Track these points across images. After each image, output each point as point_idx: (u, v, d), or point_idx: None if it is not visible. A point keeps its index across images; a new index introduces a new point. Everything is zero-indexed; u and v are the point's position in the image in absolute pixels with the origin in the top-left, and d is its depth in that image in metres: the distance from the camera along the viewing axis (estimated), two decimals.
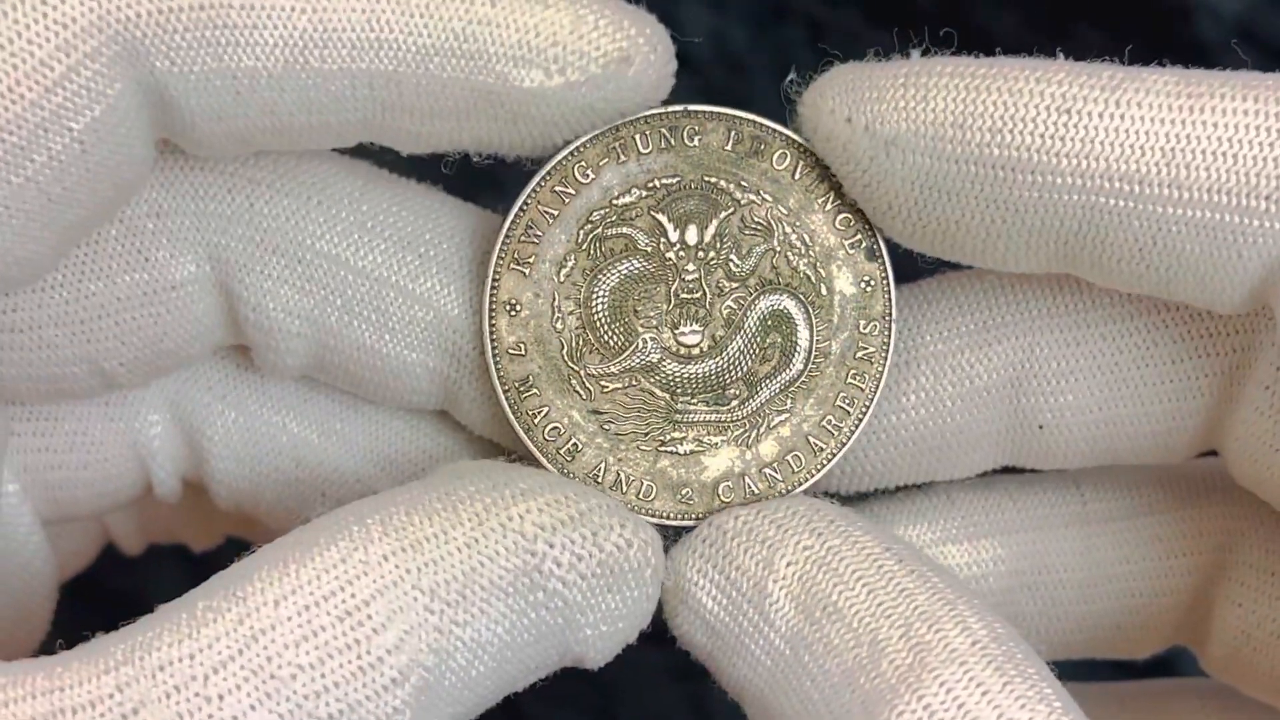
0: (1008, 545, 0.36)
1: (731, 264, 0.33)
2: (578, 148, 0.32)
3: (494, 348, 0.33)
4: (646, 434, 0.33)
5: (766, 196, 0.33)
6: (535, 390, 0.33)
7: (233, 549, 0.30)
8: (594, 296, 0.33)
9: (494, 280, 0.33)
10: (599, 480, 0.33)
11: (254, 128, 0.30)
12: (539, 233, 0.33)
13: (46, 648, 0.35)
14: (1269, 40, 0.51)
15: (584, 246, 0.33)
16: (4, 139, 0.28)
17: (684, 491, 0.33)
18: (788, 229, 0.33)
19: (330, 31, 0.29)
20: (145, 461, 0.36)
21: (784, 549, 0.30)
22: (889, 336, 0.33)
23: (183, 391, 0.35)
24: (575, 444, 0.33)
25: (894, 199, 0.31)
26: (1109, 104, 0.29)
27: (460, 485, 0.29)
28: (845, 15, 0.51)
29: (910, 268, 0.34)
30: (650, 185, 0.33)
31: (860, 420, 0.33)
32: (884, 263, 0.33)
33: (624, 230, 0.33)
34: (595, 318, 0.33)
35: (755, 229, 0.33)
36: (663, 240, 0.33)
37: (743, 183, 0.33)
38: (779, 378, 0.33)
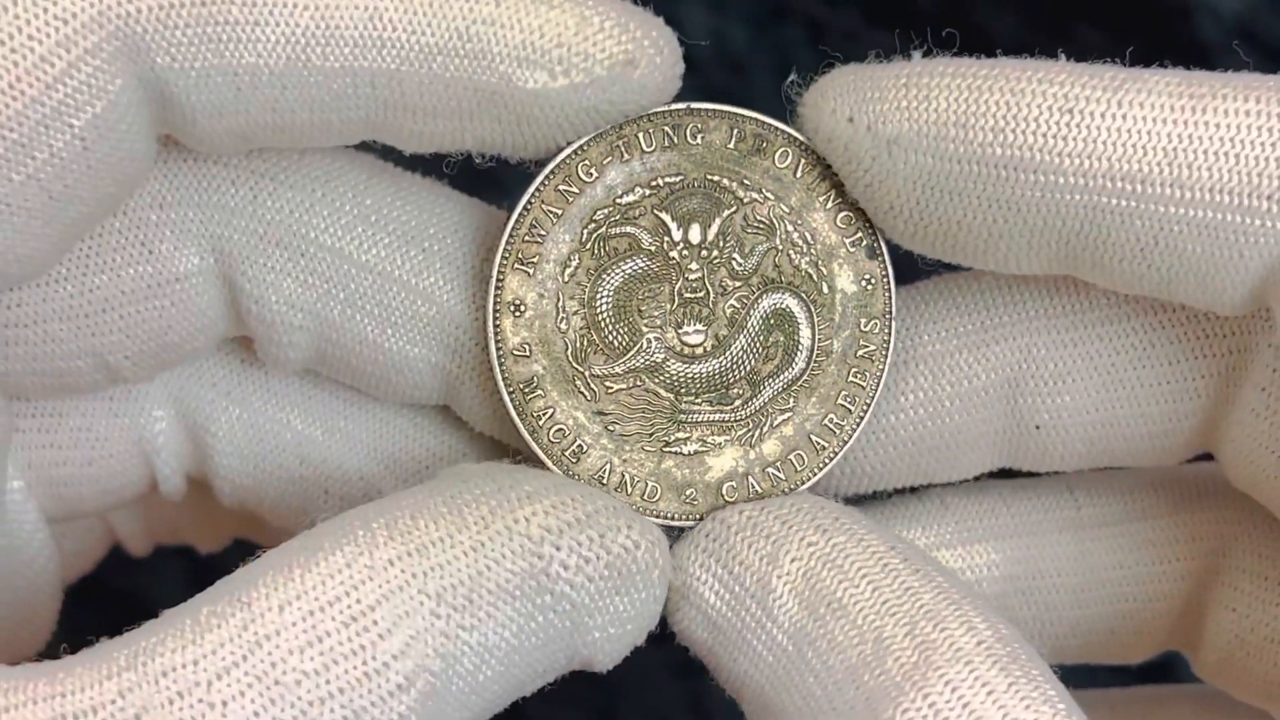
0: (1001, 550, 0.36)
1: (734, 262, 0.33)
2: (581, 146, 0.32)
3: (499, 349, 0.33)
4: (651, 434, 0.33)
5: (769, 195, 0.33)
6: (540, 391, 0.33)
7: (239, 551, 0.30)
8: (598, 296, 0.33)
9: (498, 280, 0.32)
10: (604, 481, 0.33)
11: (255, 125, 0.30)
12: (543, 232, 0.33)
13: (51, 649, 0.35)
14: (1269, 40, 0.51)
15: (588, 246, 0.33)
16: (5, 136, 0.28)
17: (688, 492, 0.33)
18: (789, 227, 0.33)
19: (333, 29, 0.29)
20: (150, 458, 0.36)
21: (789, 544, 0.30)
22: (889, 334, 0.33)
23: (187, 388, 0.35)
24: (580, 445, 0.33)
25: (896, 199, 0.31)
26: (1111, 104, 0.29)
27: (466, 489, 0.29)
28: (845, 15, 0.51)
29: (910, 268, 0.34)
30: (653, 184, 0.32)
31: (862, 418, 0.33)
32: (884, 261, 0.33)
33: (628, 229, 0.33)
34: (599, 318, 0.33)
35: (757, 227, 0.33)
36: (666, 239, 0.32)
37: (745, 181, 0.33)
38: (781, 376, 0.33)
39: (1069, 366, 0.33)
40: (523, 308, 0.33)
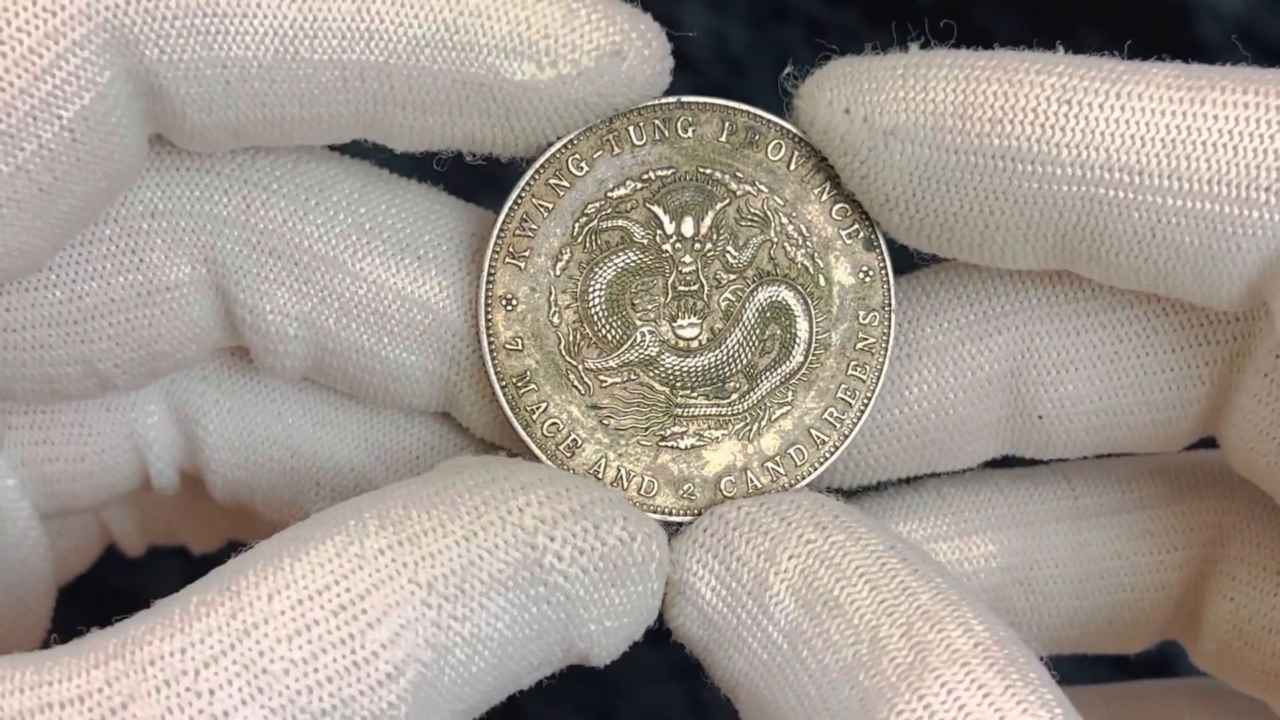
0: (999, 541, 0.35)
1: (729, 255, 0.32)
2: (571, 140, 0.32)
3: (490, 343, 0.32)
4: (647, 429, 0.33)
5: (762, 187, 0.32)
6: (533, 385, 0.33)
7: (233, 552, 0.30)
8: (590, 290, 0.32)
9: (489, 275, 0.32)
10: (599, 476, 0.32)
11: (245, 119, 0.30)
12: (534, 226, 0.32)
13: (45, 648, 0.35)
14: (1269, 40, 0.51)
15: (579, 240, 0.32)
16: None
17: (686, 487, 0.33)
18: (784, 220, 0.33)
19: (320, 21, 0.29)
20: (142, 452, 0.36)
21: (786, 542, 0.30)
22: (889, 327, 0.33)
23: (178, 381, 0.35)
24: (575, 440, 0.33)
25: (892, 190, 0.31)
26: (1109, 95, 0.29)
27: (459, 479, 0.29)
28: (844, 15, 0.51)
29: (907, 259, 0.33)
30: (645, 177, 0.32)
31: (862, 412, 0.33)
32: (882, 252, 0.33)
33: (619, 223, 0.32)
34: (592, 312, 0.32)
35: (751, 220, 0.33)
36: (659, 233, 0.32)
37: (738, 174, 0.32)
38: (779, 370, 0.33)
39: (1072, 355, 0.33)
40: (514, 302, 0.32)
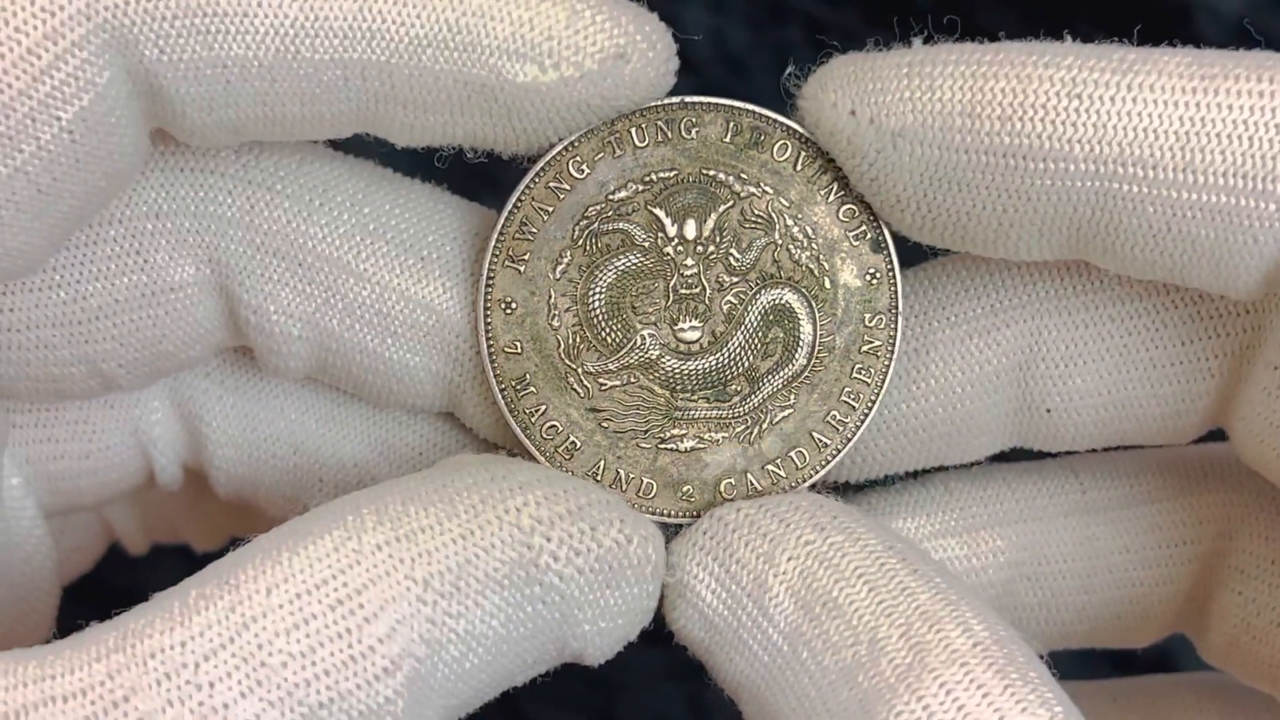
0: (1006, 536, 0.35)
1: (731, 258, 0.32)
2: (572, 142, 0.32)
3: (489, 346, 0.32)
4: (646, 431, 0.32)
5: (767, 189, 0.32)
6: (532, 388, 0.32)
7: (233, 549, 0.30)
8: (591, 293, 0.32)
9: (489, 278, 0.32)
10: (598, 479, 0.32)
11: (246, 118, 0.30)
12: (534, 229, 0.32)
13: None
14: (1269, 40, 0.51)
15: (580, 243, 0.32)
16: None
17: (685, 489, 0.32)
18: (789, 221, 0.32)
19: (322, 20, 0.29)
20: (146, 449, 0.36)
21: (785, 543, 0.30)
22: (895, 330, 0.32)
23: (182, 377, 0.35)
24: (573, 442, 0.32)
25: (902, 192, 0.31)
26: (1120, 87, 0.29)
27: (458, 477, 0.29)
28: (844, 15, 0.51)
29: (911, 258, 0.33)
30: (647, 179, 0.32)
31: (866, 415, 0.32)
32: (890, 254, 0.32)
33: (621, 226, 0.32)
34: (593, 315, 0.32)
35: (755, 222, 0.32)
36: (660, 235, 0.32)
37: (742, 175, 0.32)
38: (781, 373, 0.33)
39: (1080, 348, 0.33)
40: (513, 305, 0.32)
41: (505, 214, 0.32)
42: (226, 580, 0.27)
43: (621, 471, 0.32)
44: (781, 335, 0.32)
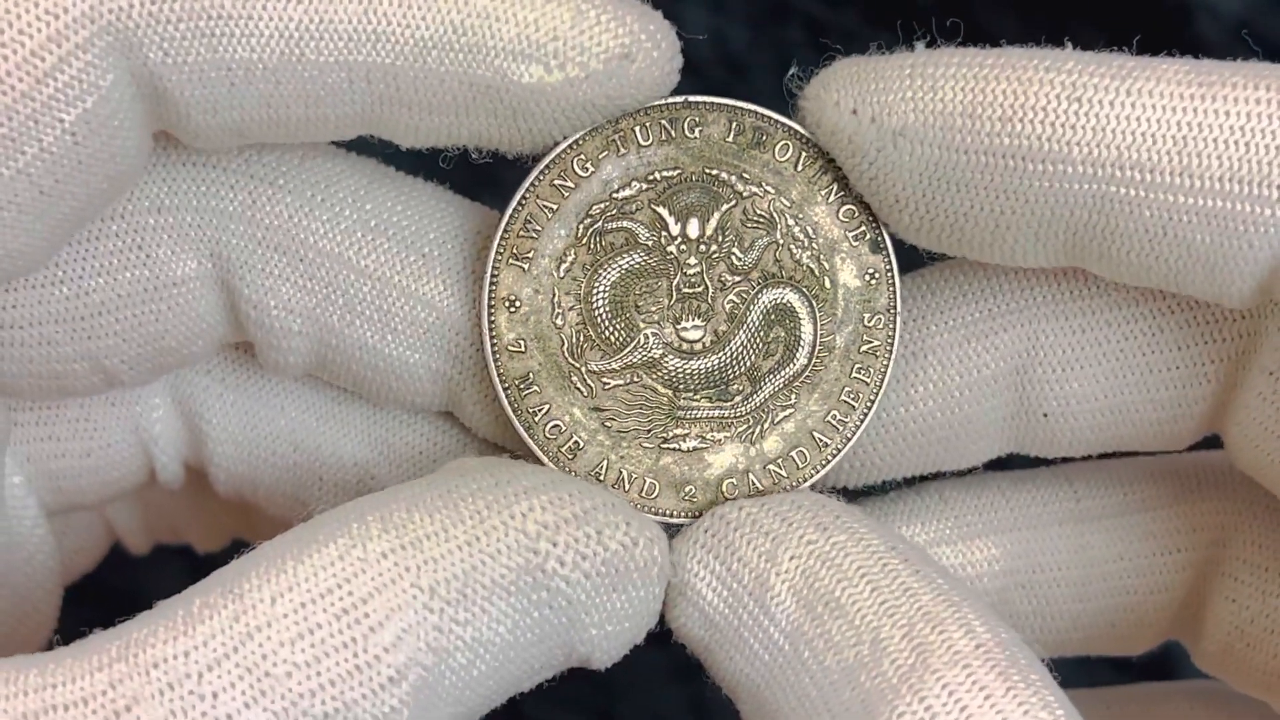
0: (1001, 545, 0.35)
1: (734, 257, 0.32)
2: (576, 140, 0.32)
3: (493, 344, 0.32)
4: (649, 431, 0.32)
5: (769, 188, 0.32)
6: (535, 387, 0.32)
7: (237, 551, 0.30)
8: (594, 292, 0.32)
9: (492, 276, 0.32)
10: (601, 478, 0.32)
11: (250, 120, 0.30)
12: (538, 227, 0.32)
13: (51, 648, 0.35)
14: (1270, 40, 0.51)
15: (584, 241, 0.32)
16: None
17: (687, 489, 0.32)
18: (790, 221, 0.32)
19: (326, 23, 0.29)
20: (148, 447, 0.36)
21: (787, 542, 0.30)
22: (894, 330, 0.32)
23: (183, 375, 0.35)
24: (576, 442, 0.32)
25: (901, 191, 0.31)
26: (1120, 92, 0.29)
27: (462, 483, 0.29)
28: (845, 15, 0.51)
29: (913, 263, 0.33)
30: (650, 178, 0.32)
31: (865, 415, 0.33)
32: (889, 255, 0.32)
33: (624, 224, 0.32)
34: (596, 313, 0.32)
35: (757, 221, 0.32)
36: (664, 234, 0.32)
37: (744, 175, 0.32)
38: (783, 372, 0.33)
39: (1077, 353, 0.33)
40: (517, 303, 0.32)
41: (509, 211, 0.32)
42: (230, 589, 0.27)
43: (625, 471, 0.32)
44: (783, 335, 0.33)
